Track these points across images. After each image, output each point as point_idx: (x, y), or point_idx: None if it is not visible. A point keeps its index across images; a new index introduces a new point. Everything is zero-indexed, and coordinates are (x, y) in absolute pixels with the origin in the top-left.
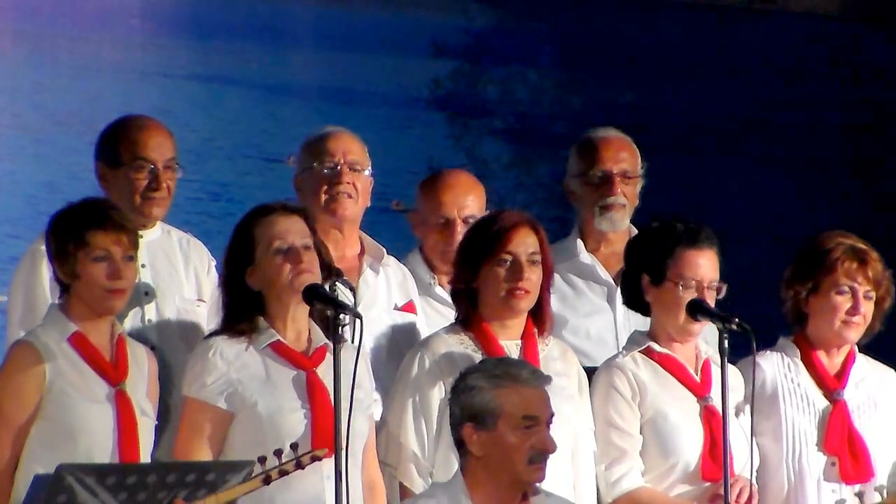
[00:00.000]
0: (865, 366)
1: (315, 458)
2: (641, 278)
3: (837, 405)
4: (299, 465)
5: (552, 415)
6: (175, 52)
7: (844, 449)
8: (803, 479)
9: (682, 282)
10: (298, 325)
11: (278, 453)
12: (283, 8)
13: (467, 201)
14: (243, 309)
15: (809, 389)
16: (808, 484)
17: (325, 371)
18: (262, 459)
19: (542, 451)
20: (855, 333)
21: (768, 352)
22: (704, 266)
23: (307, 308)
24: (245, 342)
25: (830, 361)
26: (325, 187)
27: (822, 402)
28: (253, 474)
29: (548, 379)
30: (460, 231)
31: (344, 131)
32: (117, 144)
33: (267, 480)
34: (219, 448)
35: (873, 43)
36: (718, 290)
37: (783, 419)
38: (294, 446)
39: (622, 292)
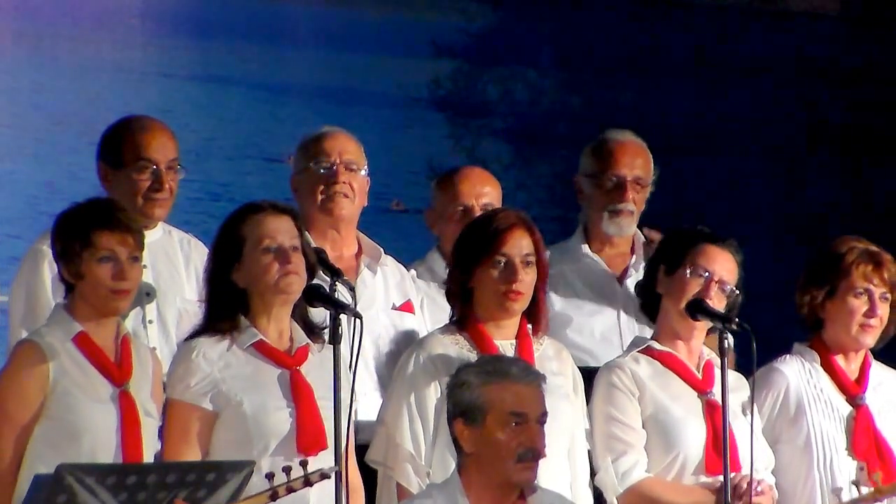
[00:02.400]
0: (881, 370)
1: (324, 476)
2: (658, 270)
3: (861, 410)
4: (307, 483)
5: (544, 413)
6: (175, 52)
7: (873, 453)
8: (836, 485)
9: (693, 268)
10: (281, 324)
11: (287, 470)
12: (283, 8)
13: (485, 189)
14: (227, 306)
15: (832, 395)
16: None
17: (308, 370)
18: (270, 476)
19: (530, 449)
20: (871, 337)
21: (788, 357)
22: (721, 263)
23: (290, 308)
24: (228, 341)
25: (848, 366)
26: (322, 187)
27: (845, 408)
28: (260, 490)
29: (541, 376)
30: None
31: (340, 131)
32: (120, 145)
33: (274, 497)
34: (206, 448)
35: (873, 43)
36: (729, 295)
37: (811, 426)
38: (304, 464)
39: (639, 286)
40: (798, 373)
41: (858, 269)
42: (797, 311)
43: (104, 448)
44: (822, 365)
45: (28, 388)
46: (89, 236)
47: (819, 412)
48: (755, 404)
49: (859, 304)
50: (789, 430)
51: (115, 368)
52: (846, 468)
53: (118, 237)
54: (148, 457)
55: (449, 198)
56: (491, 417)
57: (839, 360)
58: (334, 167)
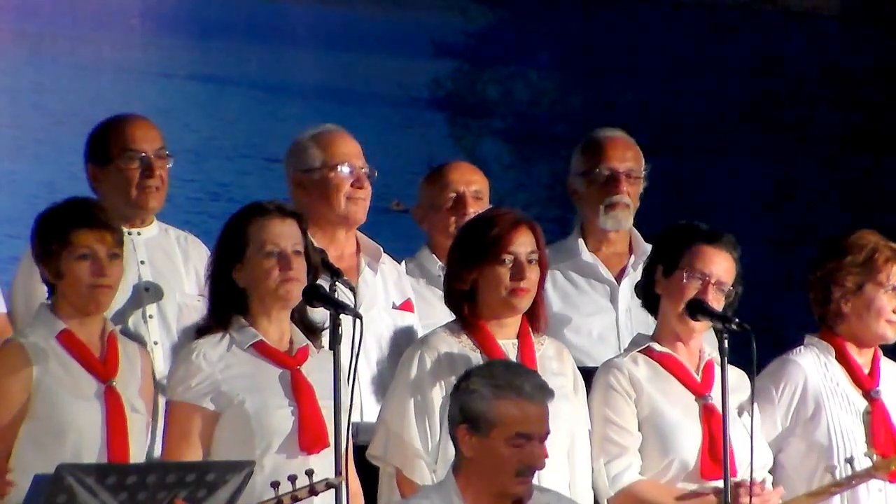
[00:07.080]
0: (888, 365)
1: (330, 486)
2: (656, 270)
3: (876, 404)
4: (312, 492)
5: (548, 432)
6: (175, 52)
7: (890, 447)
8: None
9: (689, 271)
10: (281, 325)
11: (292, 479)
12: (283, 8)
13: (474, 178)
14: (227, 304)
15: (847, 389)
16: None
17: (309, 370)
18: (276, 484)
19: (530, 466)
20: (894, 331)
21: (802, 349)
22: (717, 264)
23: (289, 310)
24: (228, 342)
25: (860, 360)
26: (347, 190)
27: (860, 402)
28: (266, 498)
29: (551, 394)
30: (471, 205)
31: (346, 134)
32: (105, 141)
33: None
34: (207, 448)
35: (873, 43)
36: (728, 295)
37: (830, 419)
38: (309, 473)
39: (639, 286)
40: (814, 366)
41: (894, 268)
42: (815, 303)
43: (89, 445)
44: (836, 358)
45: (11, 388)
46: (67, 235)
47: (836, 405)
48: (774, 393)
49: (888, 300)
50: (806, 425)
51: (100, 365)
52: (865, 463)
53: (96, 234)
54: (135, 453)
55: (439, 188)
56: (497, 432)
57: (853, 353)
58: (352, 172)
